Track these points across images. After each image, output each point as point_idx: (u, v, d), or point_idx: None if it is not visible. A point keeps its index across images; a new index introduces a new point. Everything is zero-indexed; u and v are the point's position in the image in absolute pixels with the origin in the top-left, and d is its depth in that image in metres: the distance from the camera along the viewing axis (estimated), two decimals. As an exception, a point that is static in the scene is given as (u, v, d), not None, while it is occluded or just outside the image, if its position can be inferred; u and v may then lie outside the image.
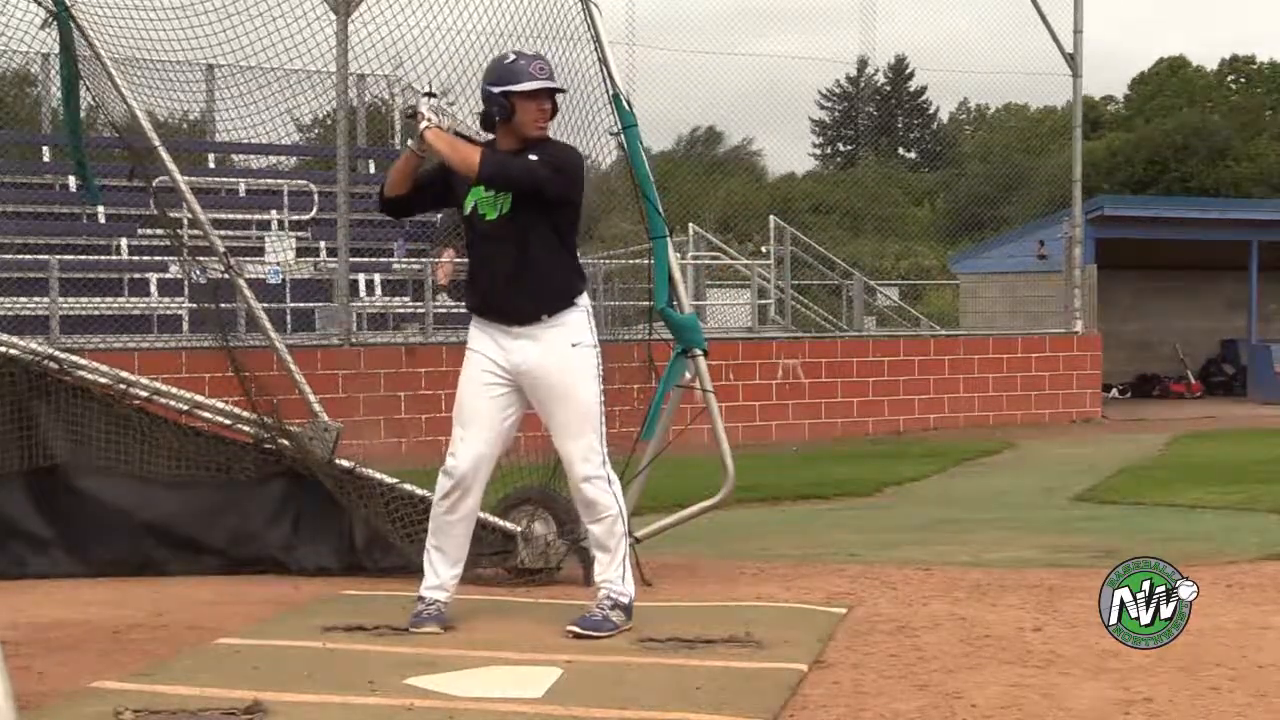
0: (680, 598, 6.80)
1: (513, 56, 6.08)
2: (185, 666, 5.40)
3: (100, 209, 16.86)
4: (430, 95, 6.15)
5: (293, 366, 7.85)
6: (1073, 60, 20.10)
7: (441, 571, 6.14)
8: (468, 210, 6.08)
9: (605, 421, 6.09)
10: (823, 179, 34.05)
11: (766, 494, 11.35)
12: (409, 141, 6.21)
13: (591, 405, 6.02)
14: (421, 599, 6.12)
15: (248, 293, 8.09)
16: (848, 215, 26.17)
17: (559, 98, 6.14)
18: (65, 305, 14.84)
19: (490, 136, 6.08)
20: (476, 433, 6.05)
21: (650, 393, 7.43)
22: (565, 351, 6.00)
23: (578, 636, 5.81)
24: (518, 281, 5.98)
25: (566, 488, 7.34)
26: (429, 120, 5.99)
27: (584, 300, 6.13)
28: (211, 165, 19.75)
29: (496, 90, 5.95)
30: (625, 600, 6.00)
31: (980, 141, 39.71)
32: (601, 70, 7.53)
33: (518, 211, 5.96)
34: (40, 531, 7.49)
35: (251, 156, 19.92)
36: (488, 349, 6.06)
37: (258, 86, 8.65)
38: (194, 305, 15.13)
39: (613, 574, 6.03)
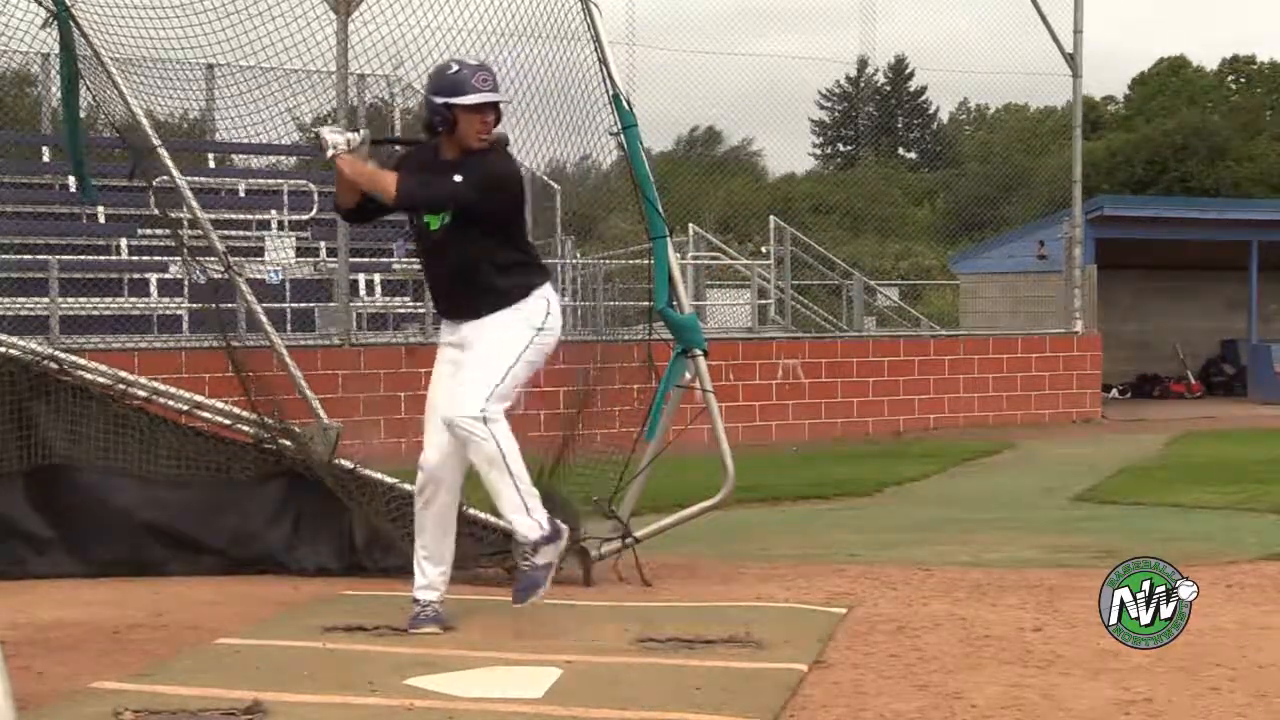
0: (680, 598, 6.80)
1: (456, 67, 6.07)
2: (185, 666, 5.40)
3: (100, 209, 16.86)
4: (350, 115, 6.19)
5: (293, 366, 7.86)
6: (1073, 60, 20.10)
7: (428, 570, 6.16)
8: (415, 220, 6.14)
9: (510, 390, 6.01)
10: (823, 179, 34.07)
11: (766, 494, 11.34)
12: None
13: (497, 358, 5.97)
14: (416, 601, 6.13)
15: (248, 293, 8.09)
16: (848, 215, 26.19)
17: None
18: (65, 305, 14.84)
19: (434, 141, 6.11)
20: (440, 426, 6.09)
21: (650, 393, 7.43)
22: (502, 319, 6.03)
23: (521, 604, 5.88)
24: (466, 285, 6.05)
25: (565, 488, 7.37)
26: (334, 148, 5.98)
27: (543, 291, 6.16)
28: (211, 165, 19.75)
29: (439, 101, 5.98)
30: (537, 535, 5.95)
31: (980, 141, 39.72)
32: (601, 70, 7.53)
33: (459, 221, 6.00)
34: (40, 531, 7.49)
35: (251, 156, 19.92)
36: (450, 346, 6.15)
37: (258, 86, 8.64)
38: (194, 305, 15.13)
39: (510, 515, 6.00)
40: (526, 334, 6.06)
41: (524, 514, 5.97)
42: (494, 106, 6.05)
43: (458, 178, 5.93)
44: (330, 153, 5.99)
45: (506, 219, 6.12)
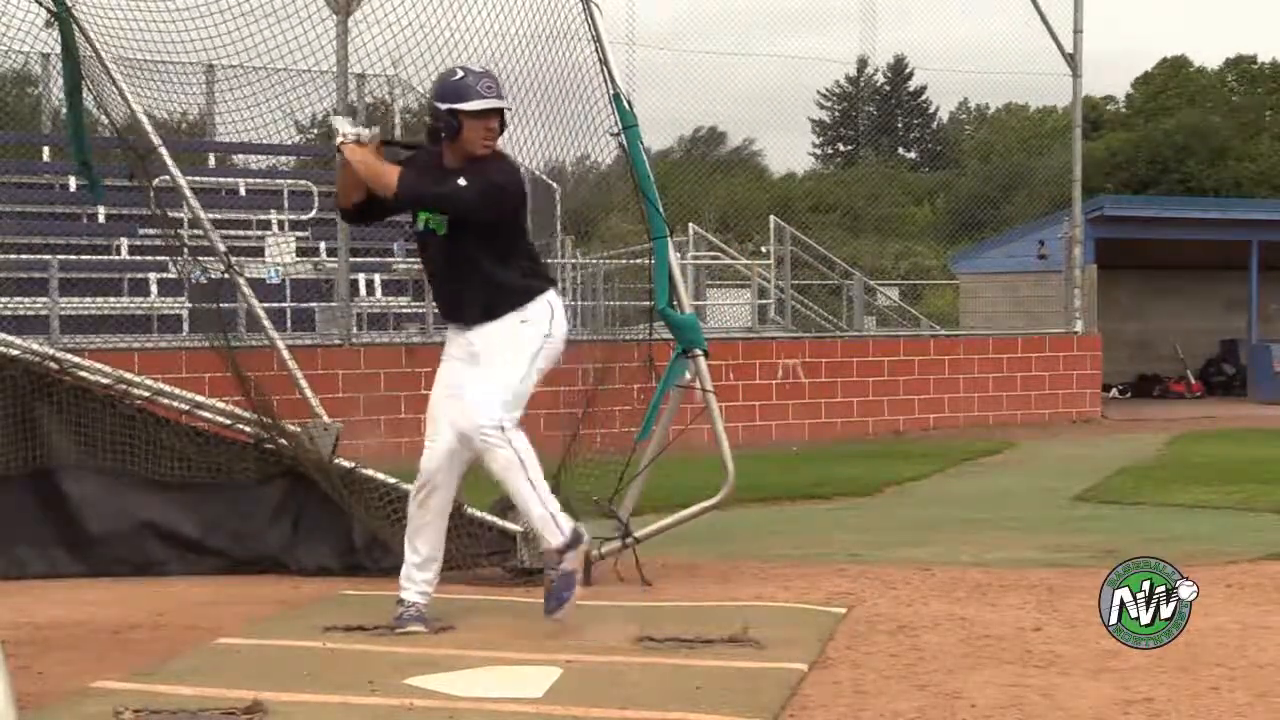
0: (680, 598, 6.80)
1: (460, 73, 6.06)
2: (185, 666, 5.40)
3: (100, 209, 16.86)
4: (352, 114, 6.17)
5: (293, 366, 7.86)
6: (1073, 60, 20.10)
7: (415, 573, 6.15)
8: (420, 225, 6.11)
9: (524, 397, 6.03)
10: (823, 179, 34.08)
11: (766, 494, 11.33)
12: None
13: (509, 365, 5.98)
14: (401, 601, 6.12)
15: (248, 292, 8.09)
16: (848, 215, 26.20)
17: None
18: (65, 305, 14.84)
19: (436, 148, 6.09)
20: (443, 429, 6.09)
21: (650, 393, 7.43)
22: (511, 325, 6.02)
23: (558, 615, 5.89)
24: (469, 290, 6.04)
25: (565, 487, 7.36)
26: (344, 136, 6.00)
27: (547, 296, 6.14)
28: (211, 165, 19.75)
29: (444, 107, 5.96)
30: (560, 542, 5.95)
31: (980, 141, 39.72)
32: (602, 70, 7.53)
33: (461, 227, 5.99)
34: (40, 531, 7.49)
35: (251, 156, 19.93)
36: (454, 349, 6.13)
37: (257, 86, 8.65)
38: (194, 305, 15.12)
39: (535, 524, 6.03)
40: (536, 340, 6.05)
41: (549, 522, 5.96)
42: (498, 113, 6.04)
43: (461, 181, 5.92)
44: (339, 140, 6.00)
45: (508, 225, 6.11)
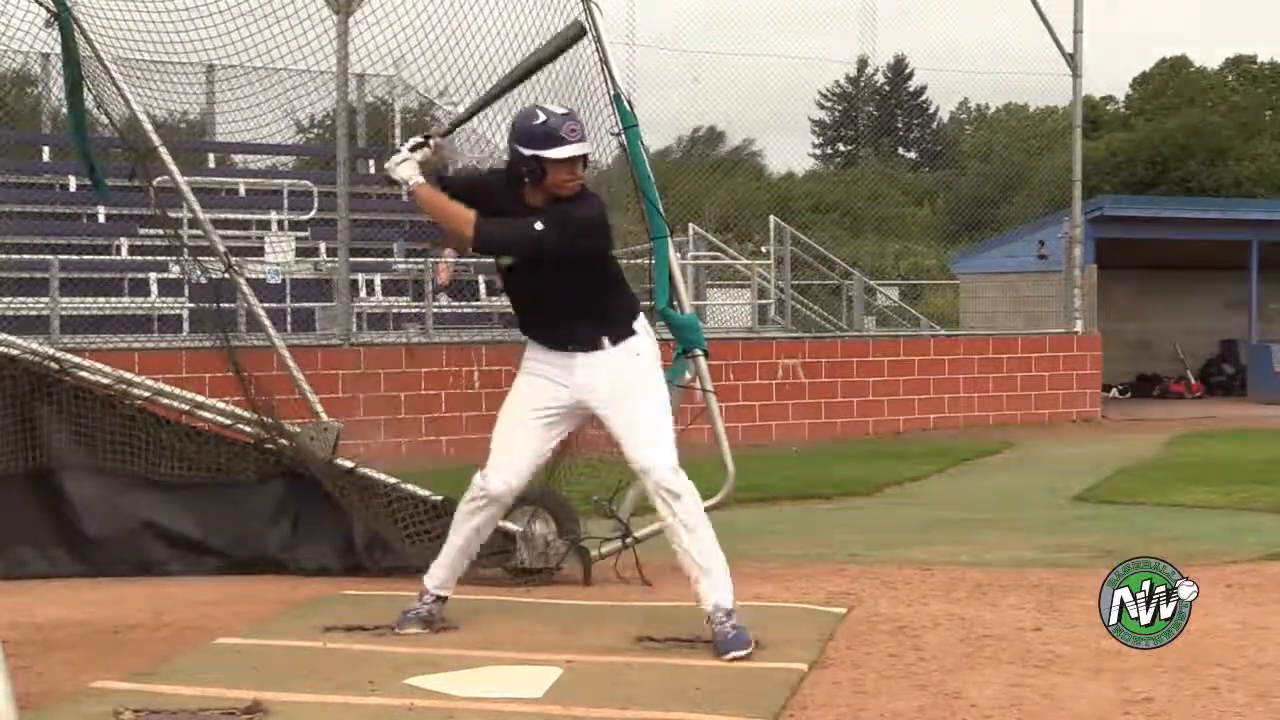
0: (680, 598, 6.78)
1: (542, 116, 5.78)
2: (185, 666, 5.41)
3: (100, 209, 16.87)
4: (424, 142, 5.86)
5: (293, 366, 7.86)
6: (1073, 60, 20.09)
7: (441, 573, 6.13)
8: (503, 264, 5.95)
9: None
10: (823, 179, 34.06)
11: (766, 494, 11.33)
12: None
13: (662, 405, 5.92)
14: (420, 596, 6.12)
15: (248, 293, 8.09)
16: (848, 215, 26.19)
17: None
18: (65, 305, 14.84)
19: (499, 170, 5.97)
20: (516, 459, 5.97)
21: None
22: (629, 355, 5.91)
23: (741, 654, 5.57)
24: (576, 313, 5.89)
25: (566, 487, 7.36)
26: (408, 182, 5.81)
27: (640, 321, 6.04)
28: (211, 165, 19.75)
29: (527, 153, 5.73)
30: (731, 599, 5.79)
31: (980, 141, 39.69)
32: (602, 70, 7.54)
33: (549, 263, 5.83)
34: (40, 531, 7.49)
35: (251, 156, 19.93)
36: (546, 374, 5.93)
37: (258, 86, 8.65)
38: (194, 305, 15.13)
39: (718, 580, 5.82)
40: (658, 369, 6.01)
41: (728, 576, 5.82)
42: (583, 156, 5.85)
43: (539, 225, 5.70)
44: (406, 191, 5.85)
45: (599, 255, 5.95)
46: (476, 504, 6.06)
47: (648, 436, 5.82)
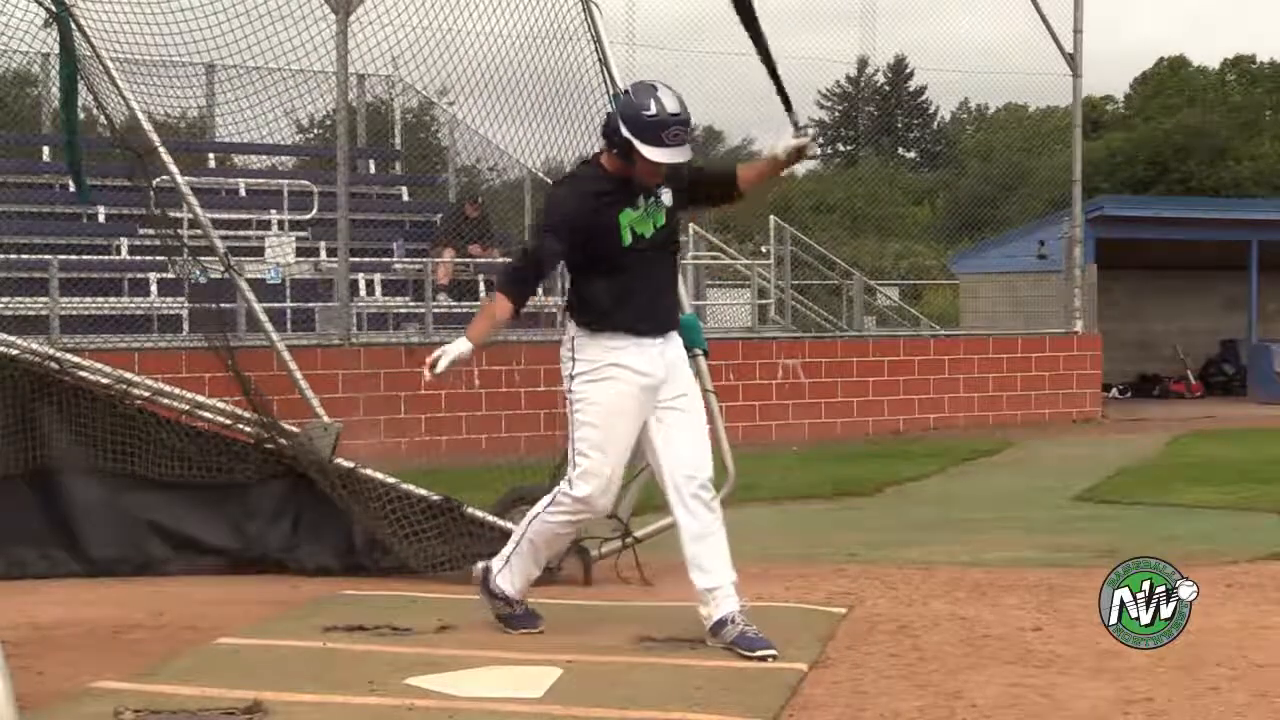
0: (680, 598, 6.78)
1: (654, 109, 5.59)
2: (185, 666, 5.40)
3: (100, 209, 16.86)
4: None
5: (293, 366, 7.86)
6: (1073, 60, 20.09)
7: (519, 583, 6.07)
8: (627, 240, 5.70)
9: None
10: (823, 179, 34.02)
11: (766, 494, 11.33)
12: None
13: (703, 413, 5.91)
14: (519, 603, 6.07)
15: (248, 292, 8.09)
16: (848, 215, 26.17)
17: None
18: (65, 305, 14.83)
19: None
20: (620, 465, 5.85)
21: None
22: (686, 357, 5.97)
23: (766, 653, 5.53)
24: (672, 290, 5.97)
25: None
26: (438, 367, 5.89)
27: None
28: (211, 165, 19.74)
29: (625, 134, 5.59)
30: (738, 603, 5.77)
31: (980, 141, 39.68)
32: (602, 70, 7.54)
33: (670, 221, 5.81)
34: (40, 531, 7.49)
35: (251, 156, 19.92)
36: (645, 368, 5.72)
37: (258, 86, 8.66)
38: (194, 305, 15.12)
39: (730, 591, 5.78)
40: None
41: (736, 584, 5.79)
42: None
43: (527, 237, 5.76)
44: (437, 371, 5.92)
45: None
46: (572, 520, 5.95)
47: (703, 437, 5.84)
